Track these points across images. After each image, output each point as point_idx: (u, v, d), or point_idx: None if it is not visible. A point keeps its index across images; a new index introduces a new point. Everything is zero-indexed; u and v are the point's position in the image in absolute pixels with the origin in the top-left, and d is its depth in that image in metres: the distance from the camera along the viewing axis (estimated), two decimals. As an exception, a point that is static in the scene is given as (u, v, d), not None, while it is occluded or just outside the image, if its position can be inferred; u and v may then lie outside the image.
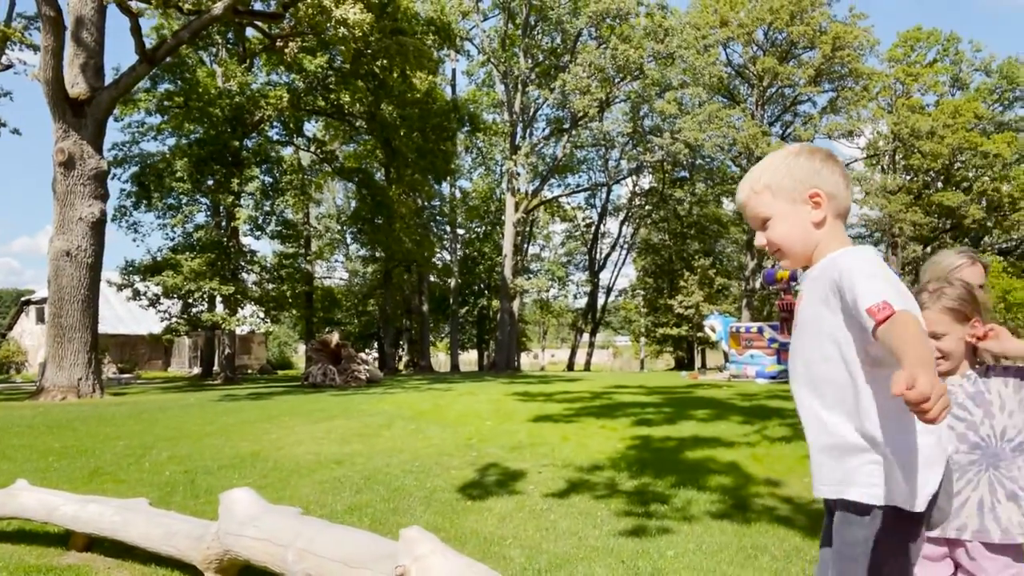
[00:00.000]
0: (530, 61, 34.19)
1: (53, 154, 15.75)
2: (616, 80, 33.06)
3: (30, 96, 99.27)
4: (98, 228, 16.45)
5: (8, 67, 26.19)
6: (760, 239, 1.64)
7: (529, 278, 38.04)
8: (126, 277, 23.69)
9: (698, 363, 38.25)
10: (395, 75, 22.99)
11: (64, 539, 4.38)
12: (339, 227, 39.92)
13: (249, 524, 2.95)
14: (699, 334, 33.30)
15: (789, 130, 40.31)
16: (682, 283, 36.87)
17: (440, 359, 49.13)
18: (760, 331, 21.05)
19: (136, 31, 15.64)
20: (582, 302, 45.51)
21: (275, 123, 26.32)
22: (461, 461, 6.61)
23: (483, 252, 41.82)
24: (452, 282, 38.68)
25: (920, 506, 1.39)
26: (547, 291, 43.76)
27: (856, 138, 40.74)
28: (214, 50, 26.69)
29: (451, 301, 38.71)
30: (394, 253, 28.82)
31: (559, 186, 41.65)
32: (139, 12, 15.19)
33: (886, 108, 40.49)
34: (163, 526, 3.57)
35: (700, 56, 31.68)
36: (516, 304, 35.51)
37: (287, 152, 29.34)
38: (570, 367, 41.15)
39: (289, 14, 18.40)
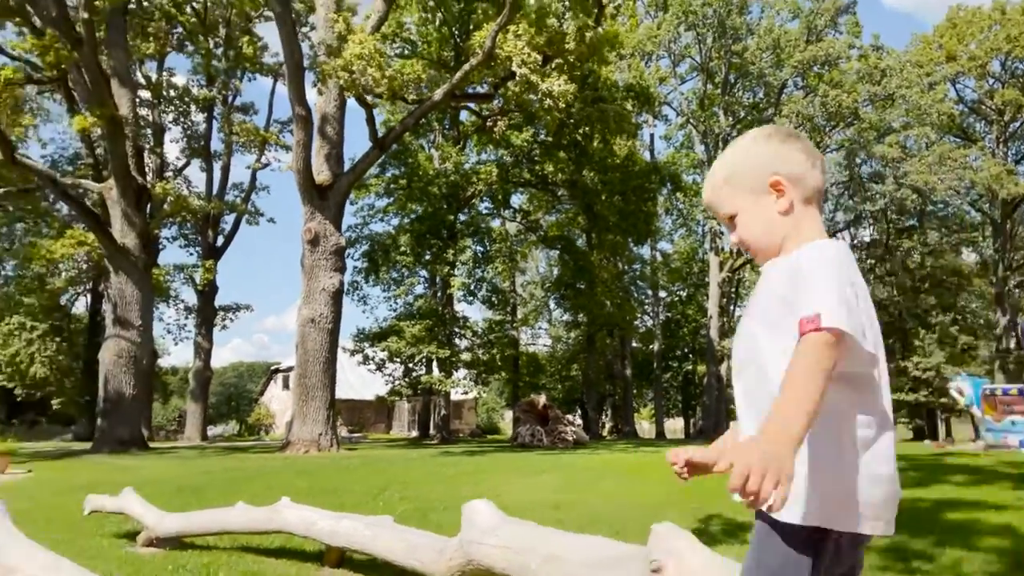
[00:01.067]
0: (731, 118, 33.60)
1: (302, 233, 18.04)
2: (827, 128, 31.36)
3: (277, 188, 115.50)
4: (337, 297, 18.42)
5: (266, 165, 30.84)
6: (733, 237, 1.51)
7: (738, 340, 36.23)
8: (358, 344, 26.13)
9: (942, 433, 33.66)
10: (596, 142, 23.71)
11: (318, 556, 4.80)
12: (543, 293, 41.13)
13: (490, 533, 3.04)
14: (942, 400, 29.47)
15: (1041, 166, 35.36)
16: (917, 343, 33.06)
17: (643, 427, 47.99)
18: (1021, 393, 18.14)
19: (371, 121, 17.72)
20: (798, 366, 42.30)
21: (485, 197, 28.12)
22: (682, 511, 6.32)
23: (686, 314, 40.78)
24: (655, 346, 37.97)
25: (840, 525, 1.24)
26: (758, 354, 41.28)
27: None
28: (431, 136, 29.38)
29: (655, 365, 37.92)
30: (596, 317, 29.04)
31: (767, 243, 39.73)
32: (373, 104, 17.28)
33: None
34: (406, 540, 3.79)
35: (925, 94, 29.15)
36: (724, 368, 33.92)
37: (495, 223, 31.12)
38: (788, 436, 38.10)
39: (498, 94, 19.84)
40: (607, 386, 40.06)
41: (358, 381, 40.52)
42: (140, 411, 19.70)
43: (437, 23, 26.00)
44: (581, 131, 23.09)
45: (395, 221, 28.56)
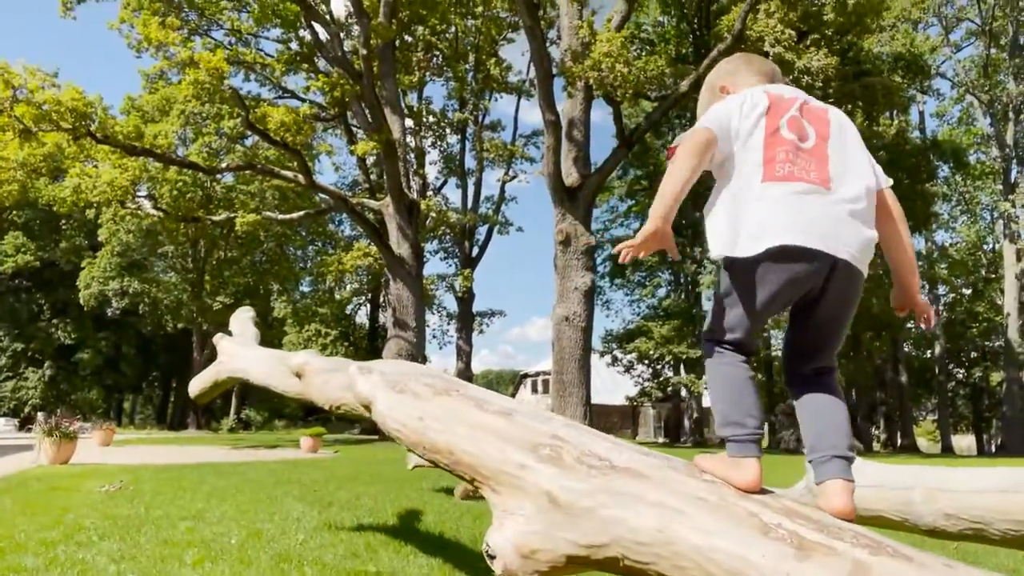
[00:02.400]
0: (1022, 85, 28.79)
1: (554, 235, 18.68)
2: None
3: (521, 199, 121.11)
4: (589, 296, 18.77)
5: (513, 177, 32.49)
6: None
7: (1046, 341, 30.72)
8: (606, 345, 26.45)
9: None
10: (859, 120, 21.60)
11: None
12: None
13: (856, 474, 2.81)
14: None
15: None
16: None
17: (921, 444, 42.48)
18: None
19: (618, 119, 17.88)
20: None
21: (731, 193, 27.00)
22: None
23: (974, 313, 35.49)
24: (935, 349, 33.54)
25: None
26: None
27: None
28: (671, 134, 28.93)
29: (936, 371, 33.49)
30: (858, 315, 26.40)
31: (1080, 226, 33.28)
32: (620, 99, 17.42)
33: None
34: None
35: None
36: (1029, 373, 28.91)
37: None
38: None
39: (746, 79, 18.95)
40: (877, 394, 36.20)
41: (602, 386, 40.96)
42: (415, 406, 21.62)
43: (675, 19, 25.62)
44: (842, 110, 21.15)
45: (635, 224, 28.52)
